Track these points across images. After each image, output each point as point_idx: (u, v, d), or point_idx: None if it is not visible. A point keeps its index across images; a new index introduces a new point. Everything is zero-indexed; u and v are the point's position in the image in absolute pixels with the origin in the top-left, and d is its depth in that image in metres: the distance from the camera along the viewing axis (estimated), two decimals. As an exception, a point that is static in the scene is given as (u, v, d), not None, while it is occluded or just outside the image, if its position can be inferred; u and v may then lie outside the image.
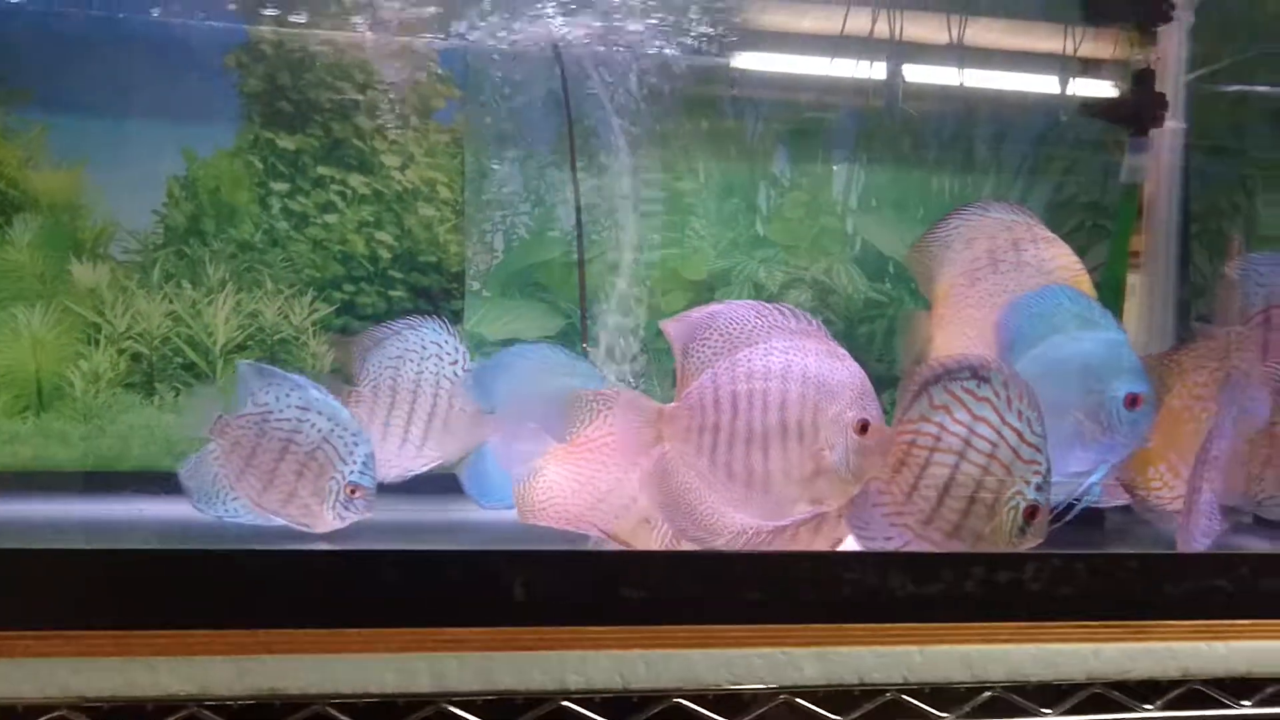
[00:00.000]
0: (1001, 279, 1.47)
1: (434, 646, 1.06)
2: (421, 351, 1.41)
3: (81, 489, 1.66)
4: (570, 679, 1.08)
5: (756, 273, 1.87)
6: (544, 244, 1.82)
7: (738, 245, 1.87)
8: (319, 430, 1.33)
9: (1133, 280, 1.83)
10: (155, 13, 1.62)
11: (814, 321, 1.28)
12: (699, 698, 1.10)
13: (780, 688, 1.11)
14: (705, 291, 1.86)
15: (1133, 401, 1.36)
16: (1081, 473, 1.40)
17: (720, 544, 1.29)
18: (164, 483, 1.38)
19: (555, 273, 1.82)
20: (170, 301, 1.71)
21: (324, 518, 1.34)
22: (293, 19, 1.66)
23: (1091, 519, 1.53)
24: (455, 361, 1.42)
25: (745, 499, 1.27)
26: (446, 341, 1.41)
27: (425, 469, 1.48)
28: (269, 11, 1.65)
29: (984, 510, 1.26)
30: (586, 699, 1.09)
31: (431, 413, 1.43)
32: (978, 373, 1.28)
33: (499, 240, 1.81)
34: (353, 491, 1.34)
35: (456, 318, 1.80)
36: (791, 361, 1.25)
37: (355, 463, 1.34)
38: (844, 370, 1.27)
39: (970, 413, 1.26)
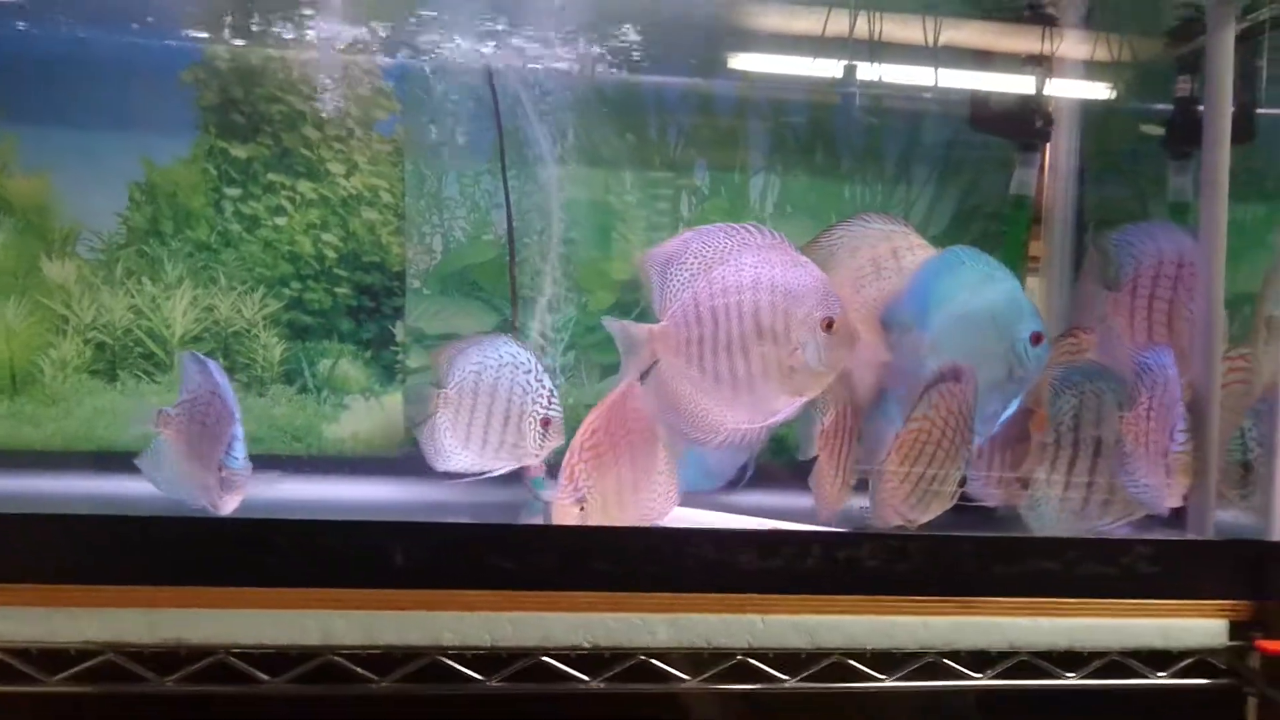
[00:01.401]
0: (884, 284, 1.60)
1: (323, 605, 1.21)
2: (499, 361, 1.56)
3: (51, 466, 1.81)
4: (445, 636, 1.22)
5: (679, 274, 2.00)
6: (479, 246, 1.95)
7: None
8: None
9: (1032, 284, 1.94)
10: (117, 33, 1.76)
11: (778, 235, 1.45)
12: (563, 656, 1.24)
13: (634, 649, 1.24)
14: (631, 290, 1.99)
15: (1036, 339, 1.53)
16: (1000, 411, 1.57)
17: (717, 441, 1.47)
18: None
19: (490, 272, 1.94)
20: (132, 296, 1.86)
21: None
22: (245, 38, 1.80)
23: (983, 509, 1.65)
24: (529, 371, 1.57)
25: (733, 399, 1.45)
26: (519, 353, 1.57)
27: (503, 470, 1.61)
28: (223, 31, 1.79)
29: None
30: (459, 655, 1.23)
31: (507, 416, 1.57)
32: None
33: (438, 242, 1.94)
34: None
35: (397, 313, 1.94)
36: (760, 274, 1.42)
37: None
38: (807, 276, 1.43)
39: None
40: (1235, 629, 1.34)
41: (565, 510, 1.40)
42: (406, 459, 1.94)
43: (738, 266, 1.42)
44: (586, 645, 1.23)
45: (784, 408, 1.45)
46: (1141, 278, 1.63)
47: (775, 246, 1.43)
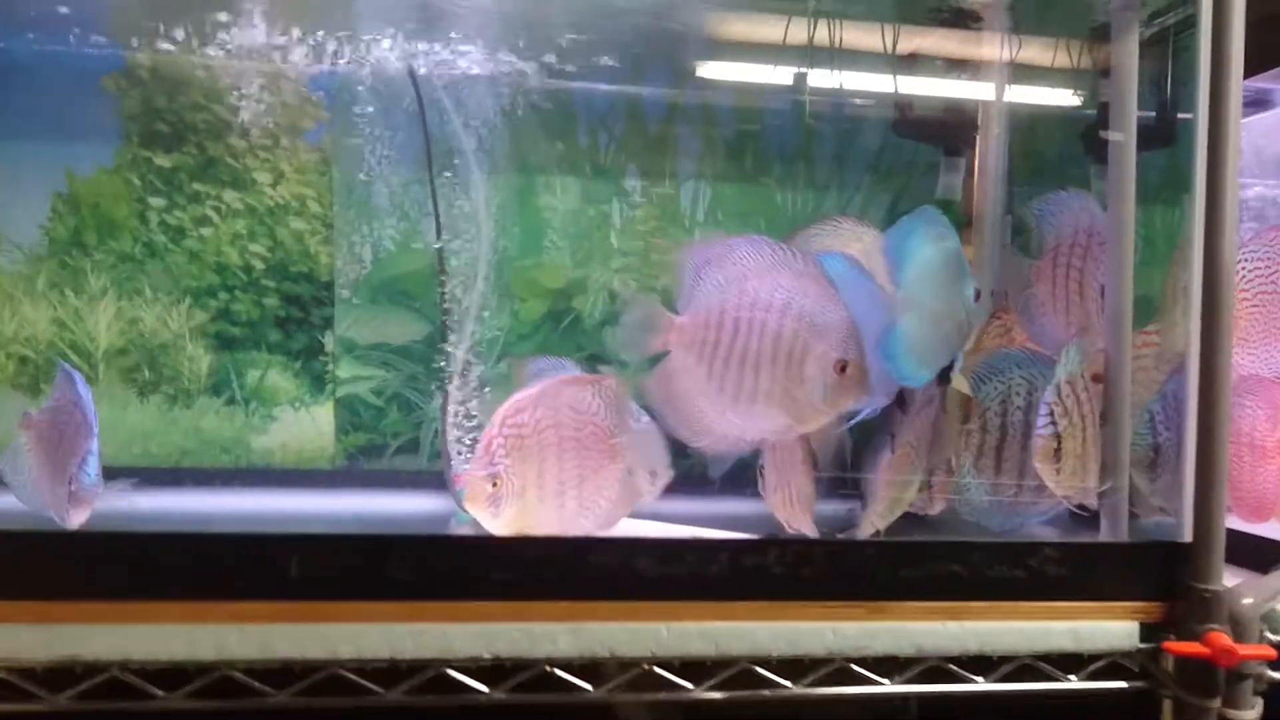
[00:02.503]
0: None
1: (217, 618, 1.19)
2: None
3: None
4: (342, 649, 1.20)
5: (611, 281, 2.00)
6: (409, 255, 1.94)
7: (593, 256, 1.99)
8: None
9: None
10: (36, 41, 1.75)
11: (818, 266, 1.46)
12: (464, 668, 1.22)
13: (536, 659, 1.23)
14: (563, 299, 1.98)
15: (977, 296, 1.61)
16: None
17: (703, 444, 1.47)
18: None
19: (420, 282, 1.94)
20: (55, 308, 1.85)
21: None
22: (168, 45, 1.79)
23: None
24: None
25: (731, 409, 1.44)
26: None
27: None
28: (146, 37, 1.78)
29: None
30: (359, 667, 1.22)
31: None
32: None
33: (367, 251, 1.93)
34: None
35: (327, 324, 1.93)
36: (792, 299, 1.43)
37: None
38: (835, 314, 1.44)
39: None
40: (1146, 630, 1.34)
41: (477, 486, 1.38)
42: (337, 471, 1.94)
43: (773, 285, 1.42)
44: (488, 656, 1.22)
45: (774, 433, 1.47)
46: (1060, 246, 1.66)
47: (814, 277, 1.44)
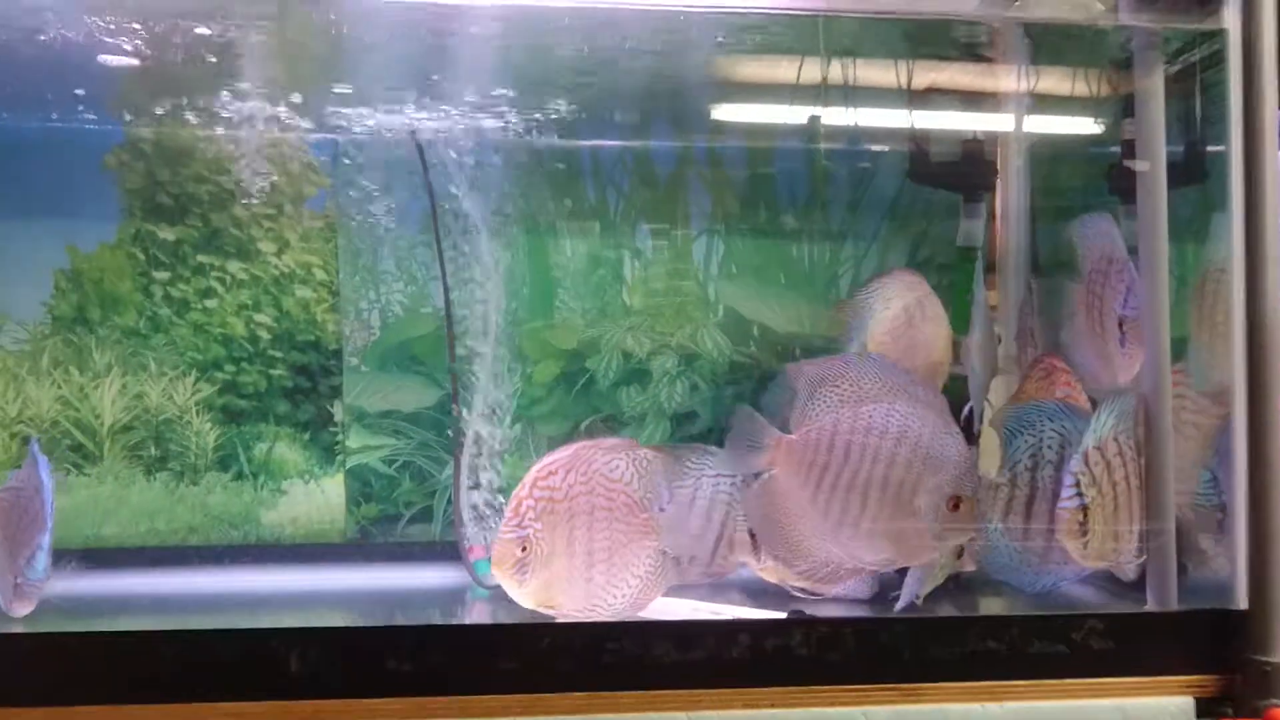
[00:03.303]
0: (914, 332, 1.65)
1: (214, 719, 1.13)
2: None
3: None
4: (344, 750, 1.14)
5: (624, 340, 1.95)
6: (418, 319, 1.90)
7: (606, 314, 1.94)
8: None
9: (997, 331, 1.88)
10: (37, 119, 1.74)
11: (938, 395, 1.42)
12: (474, 765, 1.16)
13: (549, 754, 1.16)
14: (576, 359, 1.93)
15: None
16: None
17: (800, 568, 1.41)
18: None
19: (430, 346, 1.89)
20: (59, 386, 1.81)
21: None
22: (169, 118, 1.77)
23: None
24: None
25: (834, 537, 1.38)
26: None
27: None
28: (147, 113, 1.76)
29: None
30: (364, 768, 1.15)
31: None
32: None
33: (375, 317, 1.90)
34: None
35: (335, 393, 1.89)
36: (909, 426, 1.37)
37: None
38: (953, 446, 1.38)
39: None
40: (1203, 706, 1.26)
41: (505, 550, 1.31)
42: (349, 545, 1.89)
43: (888, 411, 1.37)
44: (499, 753, 1.15)
45: (875, 564, 1.40)
46: (1096, 267, 1.60)
47: (932, 405, 1.39)
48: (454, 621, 1.29)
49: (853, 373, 1.39)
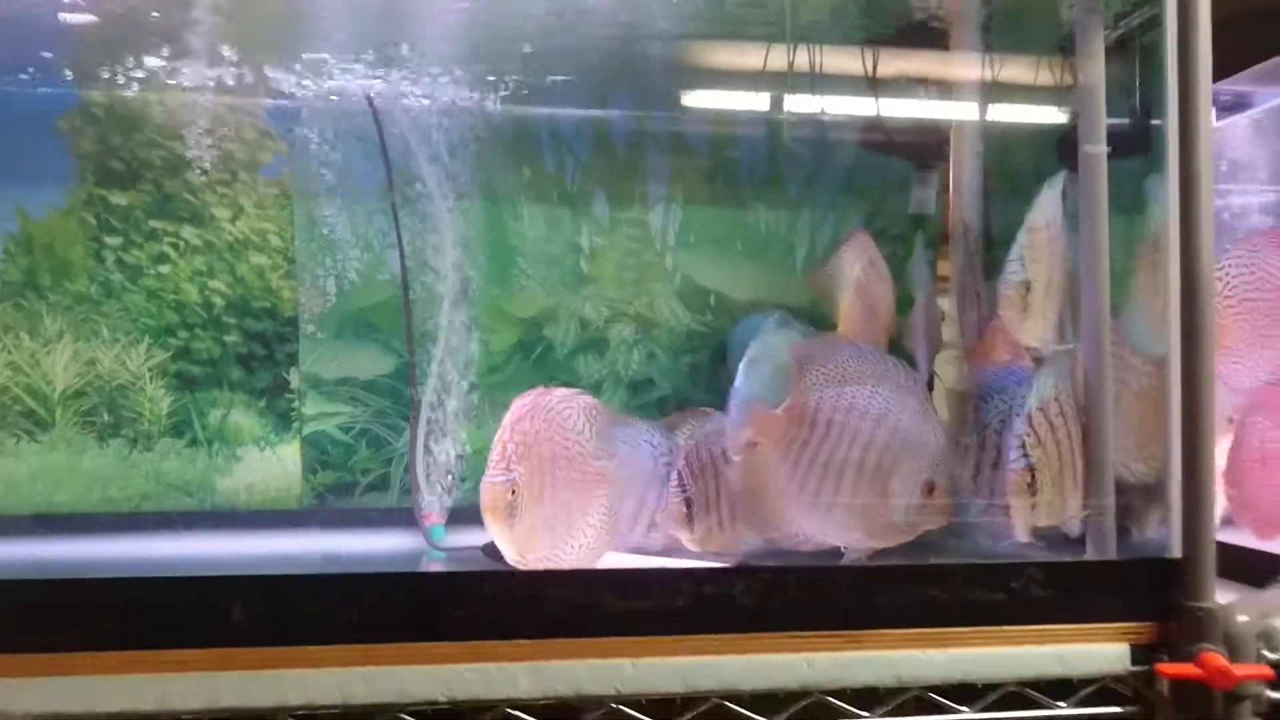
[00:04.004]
0: (873, 290, 1.71)
1: (158, 667, 1.13)
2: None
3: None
4: (291, 696, 1.14)
5: (582, 308, 1.95)
6: (375, 287, 1.90)
7: (563, 283, 1.95)
8: None
9: (944, 303, 1.91)
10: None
11: (920, 381, 1.46)
12: (419, 712, 1.17)
13: (496, 701, 1.17)
14: (534, 327, 1.94)
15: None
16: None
17: (772, 538, 1.43)
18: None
19: (386, 314, 1.89)
20: (9, 352, 1.80)
21: None
22: (122, 82, 1.76)
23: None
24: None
25: (809, 513, 1.41)
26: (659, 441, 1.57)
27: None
28: (100, 76, 1.75)
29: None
30: (310, 715, 1.16)
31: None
32: None
33: (331, 285, 1.89)
34: None
35: (291, 360, 1.89)
36: (890, 410, 1.40)
37: None
38: (932, 433, 1.42)
39: None
40: (1138, 653, 1.28)
41: (497, 494, 1.31)
42: (305, 511, 1.89)
43: (872, 393, 1.40)
44: (444, 700, 1.16)
45: (845, 542, 1.42)
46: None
47: (913, 390, 1.42)
48: (399, 570, 1.29)
49: (841, 354, 1.42)
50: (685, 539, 1.51)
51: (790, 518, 1.41)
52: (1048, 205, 1.52)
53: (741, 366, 1.47)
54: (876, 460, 1.39)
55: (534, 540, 1.35)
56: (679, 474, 1.48)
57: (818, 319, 1.78)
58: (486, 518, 1.32)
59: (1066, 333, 1.53)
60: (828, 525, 1.41)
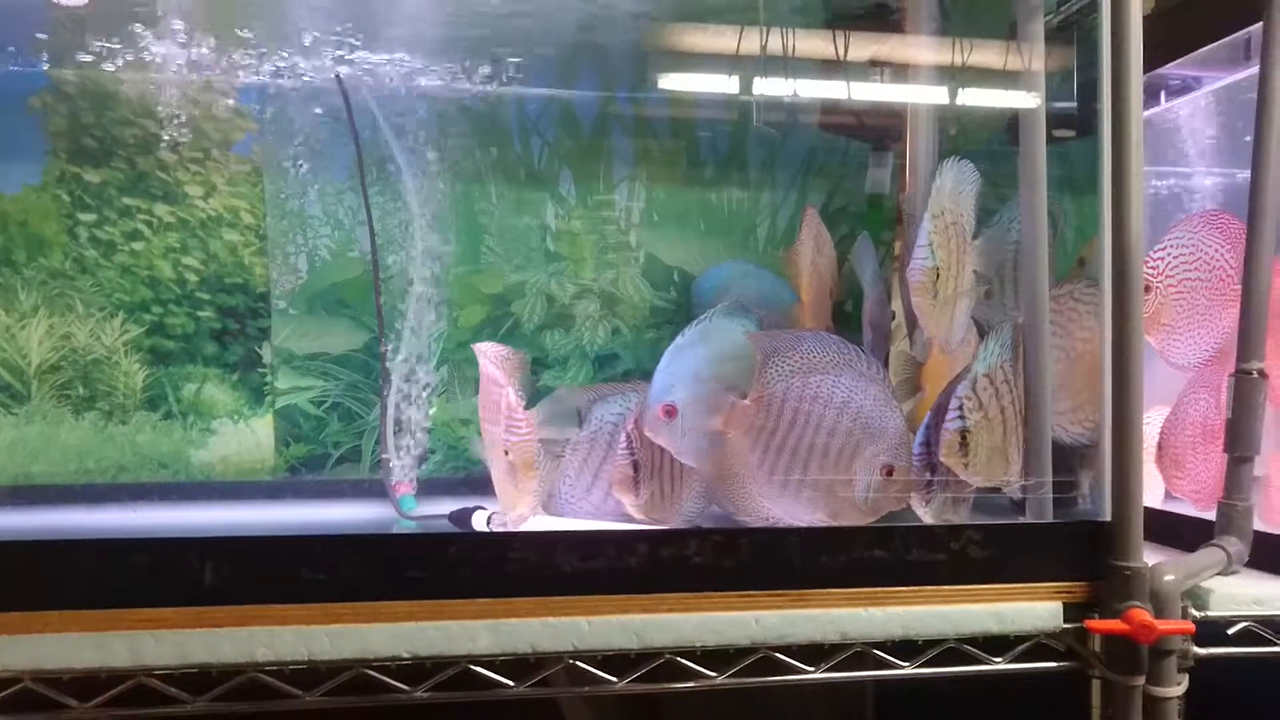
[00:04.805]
0: (819, 260, 1.85)
1: (130, 625, 1.18)
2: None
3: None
4: (259, 653, 1.20)
5: (549, 285, 2.00)
6: (345, 264, 1.94)
7: (530, 260, 2.00)
8: None
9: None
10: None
11: (882, 371, 1.52)
12: (384, 668, 1.22)
13: (456, 657, 1.22)
14: (501, 304, 1.98)
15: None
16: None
17: (742, 518, 1.52)
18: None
19: (357, 290, 1.93)
20: (-15, 326, 1.84)
21: None
22: (93, 60, 1.78)
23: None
24: None
25: (778, 497, 1.50)
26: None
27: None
28: (71, 54, 1.77)
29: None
30: (278, 671, 1.21)
31: None
32: None
33: (302, 261, 1.93)
34: None
35: (264, 335, 1.93)
36: (852, 398, 1.48)
37: None
38: (892, 420, 1.50)
39: None
40: (1071, 611, 1.35)
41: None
42: (278, 483, 1.93)
43: (834, 382, 1.48)
44: (407, 656, 1.21)
45: (812, 523, 1.50)
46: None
47: (875, 380, 1.49)
48: (363, 533, 1.33)
49: (804, 346, 1.49)
50: (629, 503, 1.58)
51: (759, 502, 1.50)
52: (949, 190, 1.54)
53: (673, 349, 1.57)
54: (839, 446, 1.47)
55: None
56: (627, 437, 1.54)
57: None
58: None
59: (968, 323, 1.57)
60: (794, 508, 1.49)
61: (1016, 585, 1.33)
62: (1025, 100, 1.47)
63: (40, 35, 1.75)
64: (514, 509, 1.46)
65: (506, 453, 1.41)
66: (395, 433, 1.84)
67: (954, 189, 1.55)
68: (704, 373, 1.55)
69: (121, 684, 1.18)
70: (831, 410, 1.47)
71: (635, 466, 1.52)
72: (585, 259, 2.01)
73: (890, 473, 1.47)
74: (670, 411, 1.53)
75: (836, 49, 1.80)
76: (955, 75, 1.86)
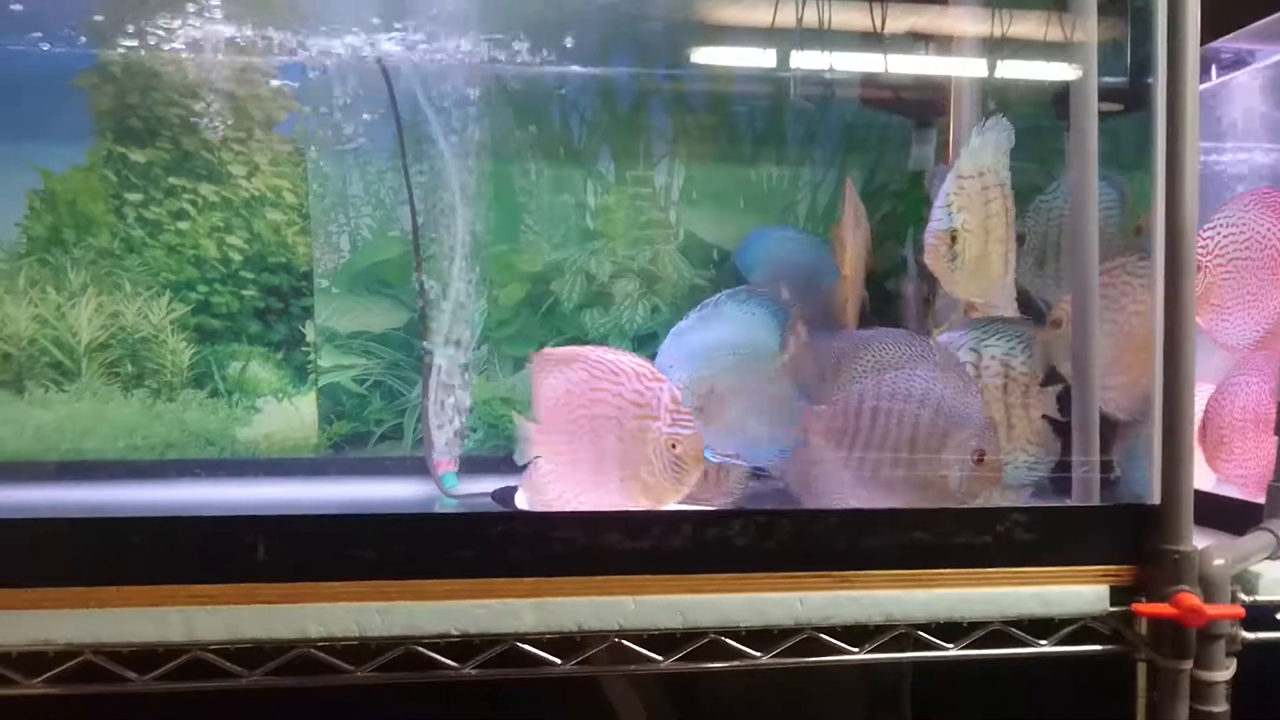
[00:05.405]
0: (859, 232, 1.81)
1: (185, 601, 1.20)
2: None
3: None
4: (310, 629, 1.22)
5: (588, 264, 2.00)
6: (386, 243, 1.95)
7: (569, 238, 2.00)
8: None
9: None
10: (7, 41, 1.77)
11: (955, 358, 1.51)
12: (433, 645, 1.24)
13: (503, 635, 1.24)
14: (540, 282, 1.99)
15: None
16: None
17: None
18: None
19: (398, 269, 1.95)
20: (36, 306, 1.86)
21: None
22: (140, 41, 1.80)
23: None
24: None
25: (868, 497, 1.49)
26: None
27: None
28: (117, 35, 1.79)
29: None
30: (329, 646, 1.23)
31: None
32: None
33: (344, 240, 1.94)
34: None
35: (307, 314, 1.95)
36: (930, 389, 1.47)
37: None
38: (973, 406, 1.48)
39: None
40: (1118, 594, 1.34)
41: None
42: (322, 460, 1.95)
43: (910, 375, 1.46)
44: (455, 633, 1.23)
45: None
46: None
47: (950, 367, 1.47)
48: (411, 512, 1.35)
49: (872, 346, 1.49)
50: None
51: (848, 499, 1.49)
52: (979, 153, 1.49)
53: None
54: (925, 438, 1.46)
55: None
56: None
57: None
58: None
59: (1003, 290, 1.53)
60: (886, 504, 1.47)
61: (1063, 568, 1.32)
62: (1075, 73, 1.44)
63: (85, 15, 1.77)
64: (664, 503, 1.47)
65: (674, 445, 1.40)
66: (436, 411, 1.86)
67: (993, 148, 1.50)
68: (701, 358, 1.55)
69: (178, 658, 1.21)
70: (912, 405, 1.46)
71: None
72: (624, 237, 2.00)
73: (981, 458, 1.45)
74: None
75: (870, 21, 1.78)
76: (1000, 48, 1.83)
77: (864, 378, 1.47)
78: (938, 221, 1.45)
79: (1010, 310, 1.60)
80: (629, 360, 1.44)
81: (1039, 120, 1.83)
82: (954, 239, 1.45)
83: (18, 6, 1.66)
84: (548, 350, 1.45)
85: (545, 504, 1.42)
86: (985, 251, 1.49)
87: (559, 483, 1.43)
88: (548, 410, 1.44)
